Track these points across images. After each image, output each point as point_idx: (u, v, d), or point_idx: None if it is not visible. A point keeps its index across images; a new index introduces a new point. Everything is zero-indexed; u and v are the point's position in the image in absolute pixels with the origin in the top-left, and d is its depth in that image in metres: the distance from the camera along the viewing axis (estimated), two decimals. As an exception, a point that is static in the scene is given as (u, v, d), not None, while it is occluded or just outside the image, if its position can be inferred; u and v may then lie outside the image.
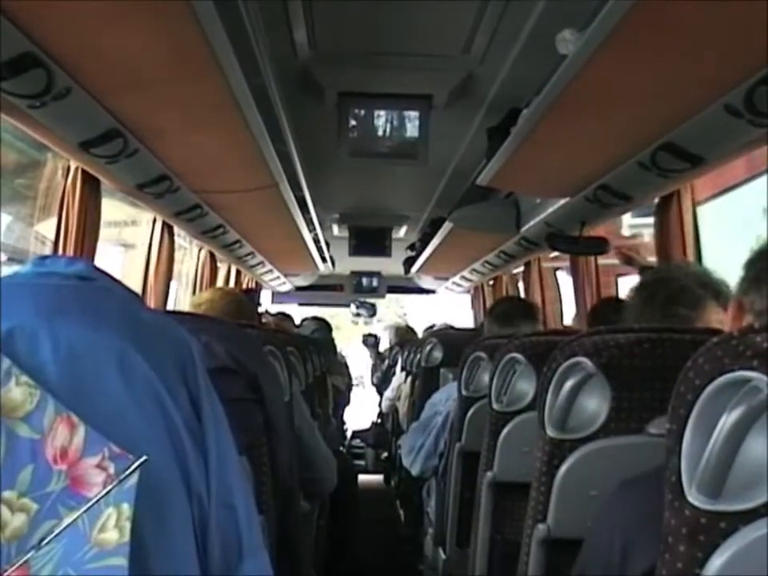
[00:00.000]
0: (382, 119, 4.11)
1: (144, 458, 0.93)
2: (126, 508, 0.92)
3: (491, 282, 8.81)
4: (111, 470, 0.93)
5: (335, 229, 8.04)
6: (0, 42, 2.19)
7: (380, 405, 9.48)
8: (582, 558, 1.48)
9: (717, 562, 0.87)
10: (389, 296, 12.02)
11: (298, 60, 3.63)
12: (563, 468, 1.84)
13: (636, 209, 4.17)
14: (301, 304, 11.07)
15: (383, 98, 4.07)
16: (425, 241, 7.63)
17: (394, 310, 25.29)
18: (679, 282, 2.23)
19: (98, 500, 0.91)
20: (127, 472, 0.93)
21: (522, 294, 7.39)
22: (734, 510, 0.87)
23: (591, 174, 3.77)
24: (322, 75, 3.81)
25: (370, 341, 12.07)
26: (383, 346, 11.72)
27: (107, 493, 0.92)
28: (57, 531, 0.91)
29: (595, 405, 1.80)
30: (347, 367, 9.30)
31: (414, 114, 4.09)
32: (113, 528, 0.91)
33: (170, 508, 1.00)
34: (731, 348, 0.90)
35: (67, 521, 0.91)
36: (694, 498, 0.90)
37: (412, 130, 4.12)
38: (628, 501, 1.37)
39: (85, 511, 0.91)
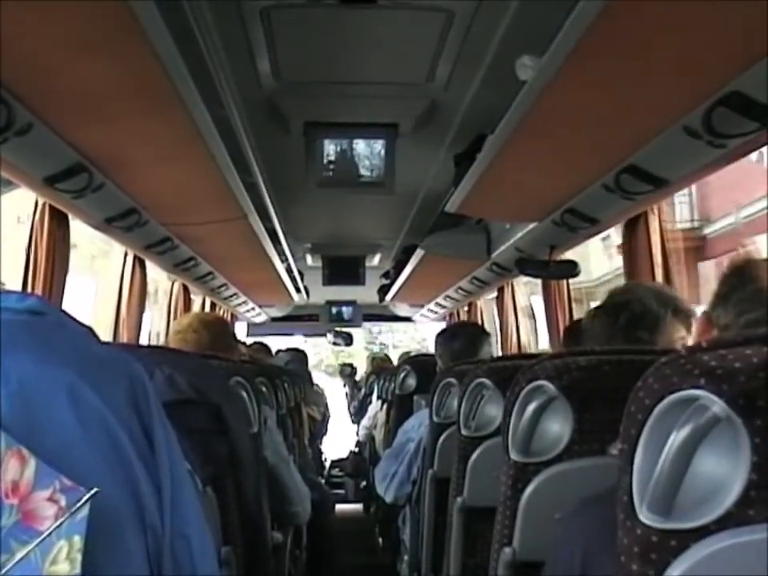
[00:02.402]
0: (347, 148, 4.12)
1: (95, 490, 0.93)
2: (78, 540, 0.91)
3: (466, 309, 8.81)
4: (62, 503, 0.93)
5: (308, 259, 8.03)
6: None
7: (357, 434, 9.47)
8: None
9: (669, 580, 0.88)
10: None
11: (262, 90, 3.63)
12: (527, 491, 1.84)
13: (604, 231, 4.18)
14: (268, 334, 10.94)
15: (349, 127, 4.08)
16: (398, 268, 7.64)
17: (411, 335, 24.93)
18: (640, 304, 2.23)
19: (50, 533, 0.91)
20: (78, 504, 0.92)
21: (497, 319, 7.42)
22: (684, 527, 0.88)
23: (558, 198, 3.80)
24: (287, 105, 3.81)
25: (346, 370, 12.07)
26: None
27: (59, 526, 0.91)
28: (9, 566, 0.90)
29: (558, 428, 1.81)
30: (324, 397, 9.26)
31: (379, 142, 4.10)
32: (64, 560, 0.91)
33: (122, 538, 1.00)
34: (679, 367, 0.91)
35: (19, 555, 0.90)
36: (645, 516, 0.91)
37: (378, 158, 4.13)
38: (587, 519, 1.38)
39: (37, 545, 0.91)
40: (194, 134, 3.00)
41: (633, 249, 3.94)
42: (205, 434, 2.04)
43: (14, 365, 0.99)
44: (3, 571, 0.90)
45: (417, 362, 5.54)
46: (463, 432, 2.56)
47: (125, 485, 1.01)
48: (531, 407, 1.82)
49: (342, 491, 9.71)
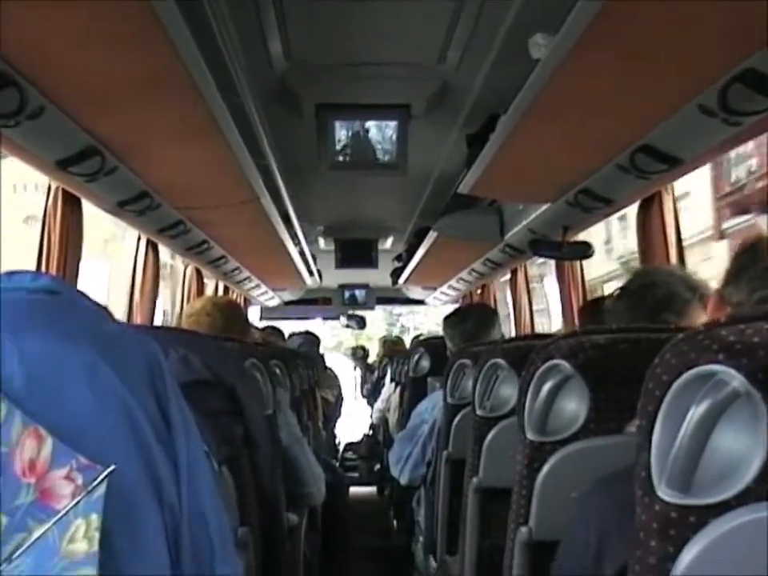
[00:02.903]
0: (360, 130, 4.11)
1: (112, 467, 0.92)
2: (95, 518, 0.91)
3: (479, 291, 8.79)
4: (79, 481, 0.92)
5: (321, 242, 8.03)
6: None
7: (371, 416, 9.47)
8: (560, 556, 1.49)
9: (687, 556, 0.88)
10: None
11: (274, 72, 3.63)
12: (544, 470, 1.84)
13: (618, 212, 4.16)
14: (281, 318, 10.88)
15: (361, 108, 4.07)
16: (411, 251, 7.61)
17: (431, 318, 24.56)
18: (668, 287, 2.22)
19: (67, 512, 0.91)
20: (95, 482, 0.92)
21: (510, 301, 7.41)
22: (703, 503, 0.88)
23: (571, 179, 3.78)
24: (299, 87, 3.81)
25: (358, 353, 12.07)
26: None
27: (76, 504, 0.91)
28: (27, 544, 0.90)
29: (574, 406, 1.80)
30: (337, 380, 9.27)
31: (392, 123, 4.09)
32: (82, 539, 0.91)
33: (140, 516, 1.00)
34: (697, 342, 0.91)
35: (37, 534, 0.90)
36: (663, 492, 0.91)
37: (390, 140, 4.13)
38: (602, 498, 1.38)
39: (54, 523, 0.91)
40: (206, 116, 2.99)
41: (647, 229, 3.92)
42: (220, 415, 2.04)
43: (30, 344, 0.99)
44: (21, 549, 0.90)
45: (431, 345, 5.52)
46: (478, 412, 2.55)
47: (143, 464, 1.01)
48: (547, 386, 1.81)
49: (355, 474, 9.71)
